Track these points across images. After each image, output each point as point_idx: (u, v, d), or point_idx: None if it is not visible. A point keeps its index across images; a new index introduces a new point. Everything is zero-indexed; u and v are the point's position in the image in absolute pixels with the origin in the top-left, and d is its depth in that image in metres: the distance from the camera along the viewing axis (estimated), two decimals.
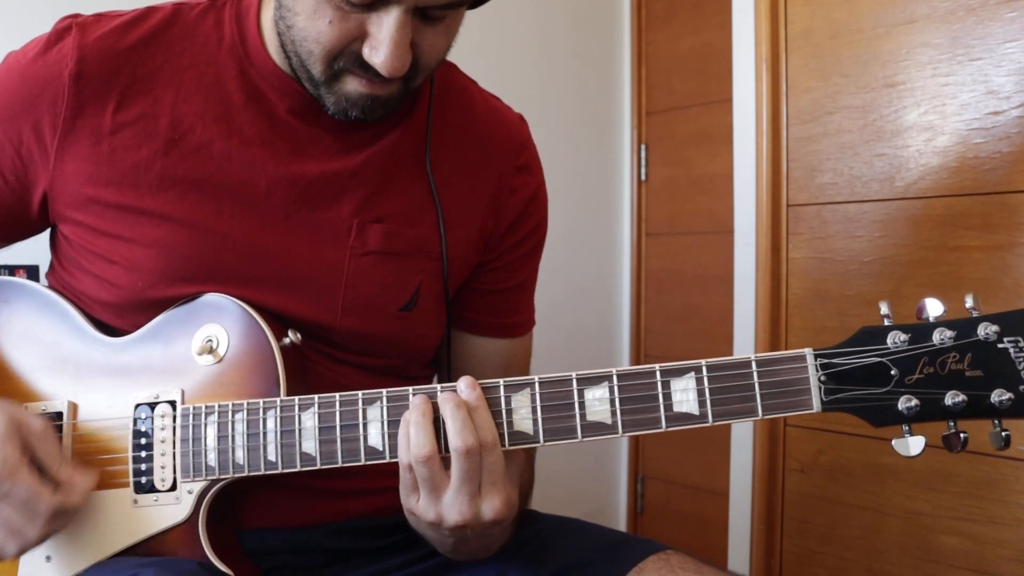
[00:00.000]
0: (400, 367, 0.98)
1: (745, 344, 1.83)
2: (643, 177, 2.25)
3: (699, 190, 2.10)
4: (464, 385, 0.78)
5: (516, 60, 2.05)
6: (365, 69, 0.81)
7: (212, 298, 0.87)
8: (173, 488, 0.83)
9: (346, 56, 0.81)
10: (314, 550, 0.92)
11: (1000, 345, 0.73)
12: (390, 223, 0.92)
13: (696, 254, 2.11)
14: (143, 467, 0.84)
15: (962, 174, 1.46)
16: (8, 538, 0.78)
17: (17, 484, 0.76)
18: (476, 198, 0.97)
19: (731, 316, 1.90)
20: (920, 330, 0.75)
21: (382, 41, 0.78)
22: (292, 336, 0.86)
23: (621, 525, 2.25)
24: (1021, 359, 0.73)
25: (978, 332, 0.74)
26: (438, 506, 0.77)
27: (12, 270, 1.41)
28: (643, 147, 2.25)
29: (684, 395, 0.77)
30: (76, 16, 0.90)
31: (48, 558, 0.84)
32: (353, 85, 0.83)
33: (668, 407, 0.77)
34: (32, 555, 0.84)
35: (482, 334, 1.04)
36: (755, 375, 0.76)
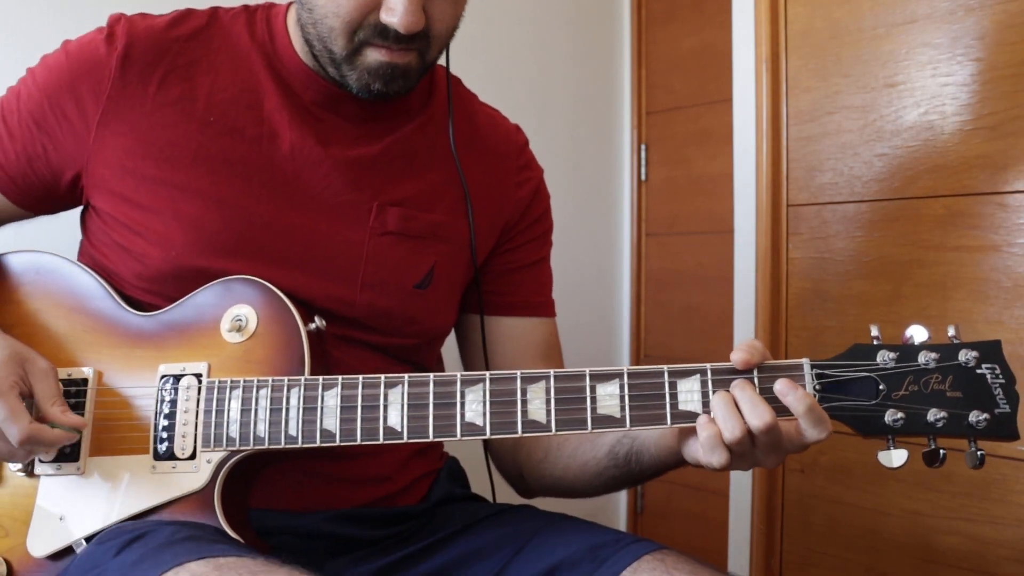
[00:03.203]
0: (413, 350, 1.03)
1: None
2: (643, 177, 2.25)
3: (699, 190, 2.10)
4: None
5: (516, 60, 2.05)
6: (384, 37, 0.88)
7: (243, 280, 0.91)
8: (192, 457, 0.86)
9: (365, 28, 0.88)
10: (312, 535, 0.94)
11: (978, 371, 0.80)
12: (407, 207, 0.99)
13: (696, 254, 2.11)
14: (164, 435, 0.87)
15: (962, 174, 1.46)
16: None
17: (1, 403, 0.80)
18: (484, 192, 1.04)
19: (731, 316, 1.90)
20: (907, 351, 0.82)
21: (397, 1, 0.85)
22: (318, 322, 0.91)
23: (621, 525, 2.25)
24: (996, 385, 0.80)
25: (959, 357, 0.80)
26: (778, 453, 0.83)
27: None
28: (643, 147, 2.25)
29: (689, 395, 0.82)
30: (123, 14, 0.98)
31: (61, 518, 0.86)
32: (374, 56, 0.89)
33: (674, 405, 0.82)
34: (45, 514, 0.87)
35: (508, 313, 1.09)
36: (756, 380, 0.82)
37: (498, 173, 1.07)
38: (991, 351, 0.80)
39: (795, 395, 0.79)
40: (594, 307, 2.24)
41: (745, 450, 0.80)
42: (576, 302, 2.18)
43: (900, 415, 0.80)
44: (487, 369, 1.08)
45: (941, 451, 0.80)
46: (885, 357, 0.81)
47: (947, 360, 0.80)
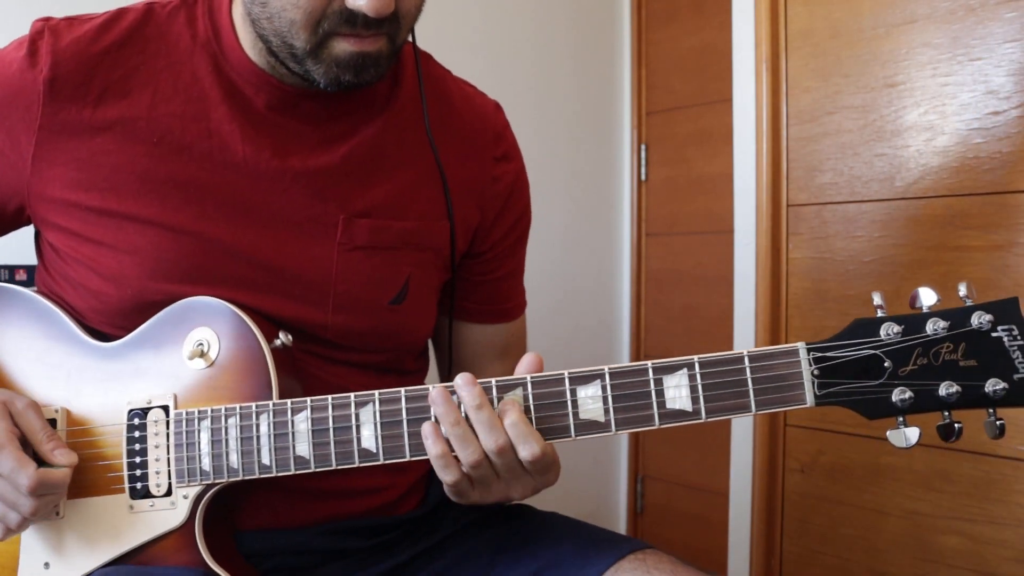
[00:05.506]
0: (391, 361, 0.98)
1: (745, 344, 1.83)
2: (643, 177, 2.25)
3: (699, 190, 2.10)
4: (463, 382, 0.79)
5: (516, 60, 2.05)
6: (352, 24, 0.80)
7: (202, 300, 0.86)
8: (168, 493, 0.83)
9: (330, 17, 0.80)
10: (308, 551, 0.92)
11: (994, 334, 0.73)
12: (377, 217, 0.92)
13: (696, 254, 2.11)
14: (138, 472, 0.84)
15: (962, 174, 1.46)
16: (7, 511, 0.80)
17: (2, 458, 0.78)
18: (460, 187, 0.97)
19: (731, 316, 1.90)
20: (913, 321, 0.75)
21: None
22: (283, 338, 0.86)
23: (621, 525, 2.25)
24: (1015, 347, 0.73)
25: (971, 321, 0.74)
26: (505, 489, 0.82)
27: (13, 270, 1.41)
28: (643, 147, 2.24)
29: (677, 391, 0.77)
30: (48, 20, 0.88)
31: (47, 564, 0.84)
32: (342, 46, 0.81)
33: (661, 404, 0.77)
34: (31, 561, 0.84)
35: (478, 321, 1.05)
36: (747, 370, 0.76)
37: (474, 164, 0.99)
38: (1008, 311, 0.73)
39: (508, 413, 0.77)
40: (594, 307, 2.24)
41: (485, 473, 0.79)
42: (576, 302, 2.18)
43: (909, 393, 0.74)
44: (451, 369, 1.06)
45: (957, 425, 0.74)
46: (890, 330, 0.75)
47: (958, 326, 0.73)
